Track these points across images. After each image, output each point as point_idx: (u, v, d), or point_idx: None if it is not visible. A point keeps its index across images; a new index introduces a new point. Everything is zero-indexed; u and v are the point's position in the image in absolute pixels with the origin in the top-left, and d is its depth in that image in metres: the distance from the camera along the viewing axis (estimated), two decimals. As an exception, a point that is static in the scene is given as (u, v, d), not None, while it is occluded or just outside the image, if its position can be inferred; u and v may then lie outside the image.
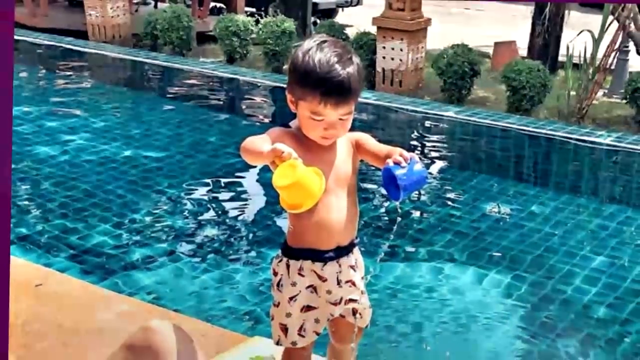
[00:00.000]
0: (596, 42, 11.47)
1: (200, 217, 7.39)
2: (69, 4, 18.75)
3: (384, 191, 3.34)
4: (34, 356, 4.14)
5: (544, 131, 9.98)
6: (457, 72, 11.80)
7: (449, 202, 8.05)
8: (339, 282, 3.15)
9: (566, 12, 13.98)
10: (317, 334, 3.22)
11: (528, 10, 14.82)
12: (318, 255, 3.11)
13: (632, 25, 12.18)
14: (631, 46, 12.82)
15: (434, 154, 9.73)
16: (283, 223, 6.61)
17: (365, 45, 12.74)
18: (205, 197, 7.95)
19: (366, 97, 11.15)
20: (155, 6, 18.33)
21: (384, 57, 12.38)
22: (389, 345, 5.17)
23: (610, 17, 11.57)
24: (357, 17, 19.57)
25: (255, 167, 7.74)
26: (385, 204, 7.65)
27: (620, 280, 6.31)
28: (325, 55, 2.91)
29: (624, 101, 11.23)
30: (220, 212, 7.63)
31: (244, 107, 12.32)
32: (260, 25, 14.03)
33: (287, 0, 17.13)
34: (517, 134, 10.07)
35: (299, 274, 3.13)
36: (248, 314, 5.50)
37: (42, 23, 16.90)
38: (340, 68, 2.89)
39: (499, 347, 5.34)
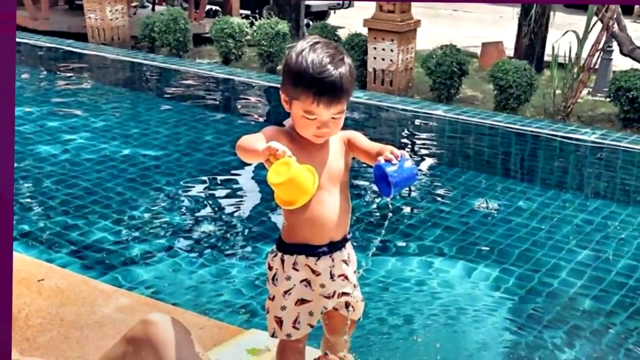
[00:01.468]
0: (581, 42, 11.49)
1: (197, 214, 7.39)
2: (69, 8, 18.74)
3: (375, 188, 3.34)
4: (37, 349, 4.13)
5: (530, 129, 9.99)
6: (446, 71, 11.82)
7: (439, 198, 8.06)
8: (332, 276, 3.16)
9: (551, 13, 14.01)
10: (311, 326, 3.22)
11: (514, 12, 14.85)
12: (312, 250, 3.11)
13: (615, 25, 12.20)
14: (615, 46, 12.85)
15: (423, 152, 9.73)
16: (278, 219, 6.62)
17: (357, 46, 12.75)
18: (202, 194, 7.95)
19: (358, 96, 11.15)
20: (153, 9, 18.33)
21: (374, 58, 12.38)
22: (381, 337, 5.18)
23: (595, 18, 11.58)
24: (348, 19, 19.59)
25: (250, 165, 7.75)
26: (377, 200, 7.66)
27: (605, 273, 6.33)
28: (318, 56, 2.91)
29: (608, 99, 11.25)
30: (216, 209, 7.63)
31: (239, 106, 12.31)
32: (254, 27, 14.02)
33: (280, 2, 17.13)
34: (504, 132, 10.08)
35: (294, 268, 3.13)
36: (244, 308, 5.50)
37: (43, 26, 16.88)
38: (332, 68, 2.90)
39: (488, 339, 5.34)
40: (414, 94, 12.40)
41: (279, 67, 13.32)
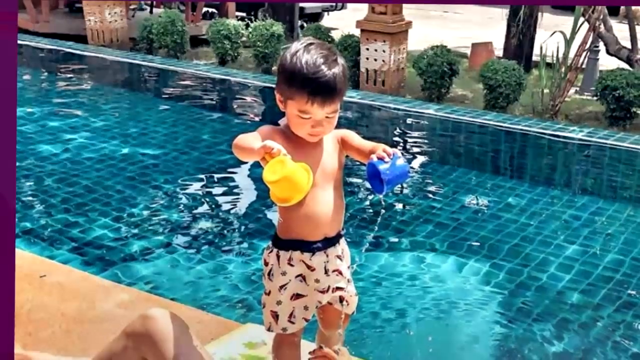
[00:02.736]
0: (568, 42, 11.51)
1: (195, 211, 7.38)
2: (69, 11, 18.67)
3: (368, 185, 3.34)
4: (39, 343, 4.13)
5: (519, 127, 9.99)
6: (437, 71, 11.82)
7: (430, 195, 8.07)
8: (326, 271, 3.16)
9: (539, 14, 14.02)
10: (306, 320, 3.22)
11: (503, 13, 14.85)
12: (306, 246, 3.11)
13: (601, 26, 12.22)
14: (601, 46, 12.87)
15: (415, 150, 9.74)
16: (273, 216, 6.61)
17: (350, 47, 12.74)
18: (200, 192, 7.95)
19: (351, 96, 11.14)
20: (151, 12, 18.29)
21: (367, 58, 12.38)
22: (375, 330, 5.19)
23: (581, 19, 11.60)
24: (341, 20, 19.59)
25: (246, 163, 7.74)
26: (370, 197, 7.66)
27: (593, 267, 6.34)
28: (312, 57, 2.91)
29: (595, 98, 11.26)
30: (213, 206, 7.63)
31: (235, 106, 12.31)
32: (250, 29, 14.01)
33: (275, 5, 17.11)
34: (493, 130, 10.08)
35: (289, 263, 3.13)
36: (241, 302, 5.50)
37: (44, 28, 16.83)
38: (326, 69, 2.89)
39: (478, 332, 5.35)
40: (405, 94, 12.39)
41: (274, 68, 13.31)
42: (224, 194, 7.92)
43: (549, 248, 6.68)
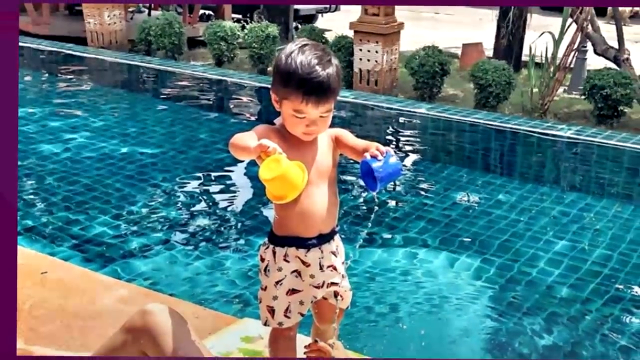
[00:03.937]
0: (556, 42, 11.53)
1: (192, 208, 7.38)
2: (69, 13, 18.65)
3: (362, 183, 3.35)
4: (40, 339, 4.12)
5: (509, 125, 10.00)
6: (429, 71, 11.82)
7: (422, 192, 8.07)
8: (321, 267, 3.16)
9: (528, 15, 14.02)
10: (302, 315, 3.22)
11: (493, 14, 14.86)
12: (302, 242, 3.11)
13: (589, 26, 12.23)
14: (589, 46, 12.87)
15: (407, 148, 9.74)
16: (269, 213, 6.59)
17: (343, 48, 12.73)
18: (197, 190, 7.94)
19: (345, 95, 11.14)
20: (149, 14, 18.26)
21: (360, 59, 12.38)
22: (368, 324, 5.19)
23: (570, 20, 11.61)
24: (335, 22, 19.59)
25: (242, 161, 7.72)
26: (364, 195, 7.66)
27: (581, 262, 6.35)
28: (306, 58, 2.91)
29: (583, 97, 11.27)
30: (211, 204, 7.62)
31: (231, 106, 12.30)
32: (246, 31, 13.99)
33: (270, 7, 17.10)
34: (484, 129, 10.09)
35: (284, 259, 3.13)
36: (238, 297, 5.50)
37: (45, 31, 16.81)
38: (320, 69, 2.90)
39: (470, 326, 5.35)
40: (398, 93, 12.40)
41: (270, 69, 13.29)
42: (221, 192, 7.91)
43: (539, 244, 6.68)
